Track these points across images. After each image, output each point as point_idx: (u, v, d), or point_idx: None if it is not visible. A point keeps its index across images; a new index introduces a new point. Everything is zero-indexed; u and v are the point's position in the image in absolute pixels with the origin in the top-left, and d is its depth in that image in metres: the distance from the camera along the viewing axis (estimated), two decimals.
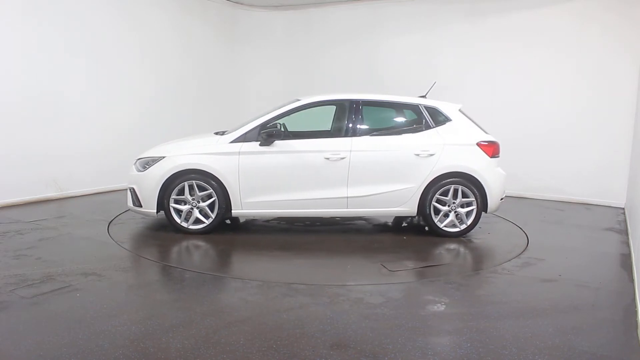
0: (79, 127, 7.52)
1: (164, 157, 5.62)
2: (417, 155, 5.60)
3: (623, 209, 7.74)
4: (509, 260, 5.02)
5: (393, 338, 3.23)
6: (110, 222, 6.05)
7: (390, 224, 6.47)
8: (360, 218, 6.55)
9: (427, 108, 5.83)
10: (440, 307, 3.80)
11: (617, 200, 7.90)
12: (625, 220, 6.95)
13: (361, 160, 5.58)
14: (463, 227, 5.71)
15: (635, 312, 3.77)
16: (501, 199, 5.82)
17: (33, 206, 6.71)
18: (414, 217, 5.97)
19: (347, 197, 5.60)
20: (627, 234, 6.18)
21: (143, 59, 8.52)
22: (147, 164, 5.69)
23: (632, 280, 4.48)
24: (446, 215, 5.72)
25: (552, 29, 8.16)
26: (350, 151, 5.57)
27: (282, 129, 5.82)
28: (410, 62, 9.25)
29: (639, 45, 7.63)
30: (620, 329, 3.54)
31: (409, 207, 5.68)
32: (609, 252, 5.52)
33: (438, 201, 5.67)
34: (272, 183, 5.57)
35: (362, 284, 4.25)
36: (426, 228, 5.88)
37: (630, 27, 7.65)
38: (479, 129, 5.84)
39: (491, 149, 5.72)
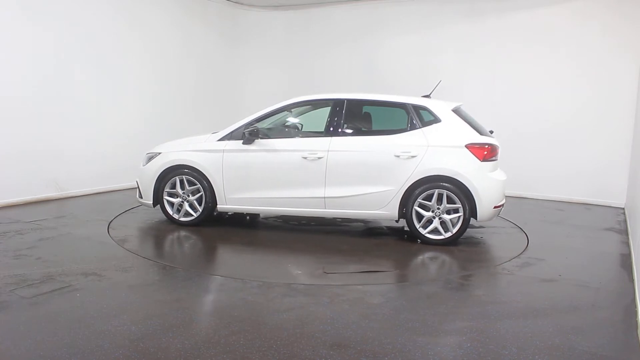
0: (80, 127, 7.51)
1: (160, 153, 6.01)
2: (398, 156, 5.34)
3: (623, 209, 7.74)
4: (509, 260, 5.02)
5: (393, 338, 3.23)
6: (110, 222, 6.05)
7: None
8: (360, 220, 6.51)
9: (416, 107, 5.55)
10: (440, 307, 3.80)
11: (617, 200, 7.90)
12: (625, 220, 6.95)
13: (339, 160, 5.46)
14: (448, 235, 5.32)
15: (635, 312, 3.77)
16: (495, 207, 5.34)
17: (33, 206, 6.71)
18: (397, 221, 5.62)
19: (325, 198, 5.52)
20: (627, 234, 6.18)
21: (144, 59, 8.52)
22: (150, 158, 6.07)
23: (632, 280, 4.48)
24: (430, 221, 5.38)
25: (552, 29, 8.16)
26: (328, 151, 5.49)
27: (299, 129, 6.08)
28: (411, 61, 9.24)
29: (638, 44, 7.63)
30: (620, 329, 3.54)
31: (389, 211, 5.43)
32: (609, 252, 5.52)
33: (422, 206, 5.36)
34: (253, 180, 5.70)
35: (280, 282, 4.20)
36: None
37: (630, 26, 7.65)
38: (473, 130, 5.43)
39: (482, 151, 5.27)
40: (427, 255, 5.20)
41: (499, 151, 5.49)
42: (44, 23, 6.92)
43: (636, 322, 3.61)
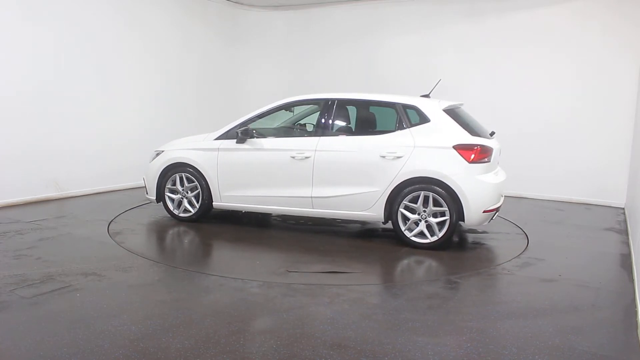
0: (80, 127, 7.50)
1: (163, 151, 6.24)
2: (383, 157, 5.23)
3: (623, 209, 7.74)
4: (509, 260, 5.01)
5: (393, 338, 3.23)
6: (110, 222, 6.05)
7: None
8: (358, 222, 6.46)
9: (405, 107, 5.42)
10: (440, 307, 3.80)
11: (617, 200, 7.89)
12: (625, 220, 6.94)
13: (325, 160, 5.44)
14: (434, 238, 5.13)
15: (635, 312, 3.77)
16: (485, 211, 5.08)
17: (33, 206, 6.71)
18: (383, 223, 5.47)
19: (312, 197, 5.52)
20: (627, 234, 6.17)
21: (144, 60, 8.51)
22: (155, 156, 6.31)
23: (632, 280, 4.48)
24: (417, 224, 5.21)
25: (552, 29, 8.15)
26: (315, 150, 5.48)
27: (290, 128, 6.22)
28: (411, 61, 9.24)
29: (638, 44, 7.62)
30: (620, 329, 3.54)
31: (375, 212, 5.32)
32: (609, 252, 5.51)
33: (408, 208, 5.21)
34: (245, 179, 5.80)
35: (237, 277, 4.29)
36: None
37: (630, 26, 7.64)
38: (463, 130, 5.21)
39: (471, 153, 5.05)
40: (412, 258, 5.06)
41: (493, 153, 5.26)
42: (43, 23, 6.91)
43: (636, 322, 3.61)
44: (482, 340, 3.23)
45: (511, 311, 3.75)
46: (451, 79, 8.35)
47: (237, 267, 4.75)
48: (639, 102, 7.43)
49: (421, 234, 5.21)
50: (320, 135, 5.60)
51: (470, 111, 5.98)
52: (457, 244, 5.62)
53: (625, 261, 5.11)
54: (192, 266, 4.67)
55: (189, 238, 5.70)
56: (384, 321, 3.49)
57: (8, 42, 6.54)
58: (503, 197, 5.58)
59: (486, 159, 5.16)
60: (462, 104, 5.93)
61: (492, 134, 5.72)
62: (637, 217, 5.34)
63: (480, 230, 6.10)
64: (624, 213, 7.46)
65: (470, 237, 5.86)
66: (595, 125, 7.99)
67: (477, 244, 5.64)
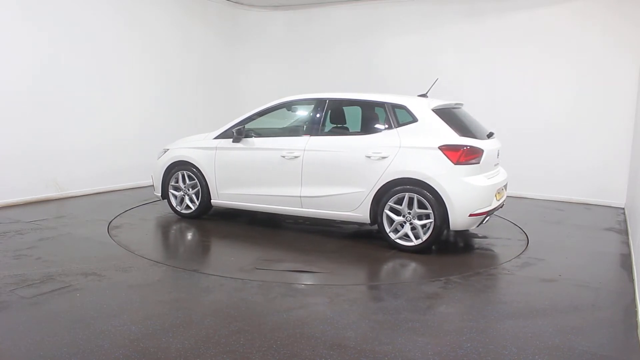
0: (80, 127, 7.50)
1: (168, 150, 6.47)
2: (369, 157, 5.18)
3: (623, 209, 7.74)
4: (509, 260, 5.02)
5: (393, 338, 3.23)
6: (110, 222, 6.05)
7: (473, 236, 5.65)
8: (355, 223, 6.45)
9: (394, 107, 5.35)
10: (440, 307, 3.80)
11: (617, 200, 7.89)
12: (625, 220, 6.94)
13: (313, 159, 5.46)
14: (418, 241, 5.02)
15: (635, 312, 3.77)
16: (472, 215, 4.92)
17: (33, 206, 6.71)
18: (370, 224, 5.38)
19: (301, 197, 5.54)
20: (627, 234, 6.17)
21: (144, 59, 8.51)
22: (162, 153, 6.52)
23: (632, 280, 4.48)
24: (402, 225, 5.11)
25: (552, 29, 8.15)
26: (304, 150, 5.51)
27: (283, 128, 6.21)
28: (411, 61, 9.23)
29: (638, 44, 7.62)
30: (620, 329, 3.54)
31: (361, 213, 5.27)
32: (609, 252, 5.51)
33: (394, 210, 5.12)
34: (239, 177, 5.94)
35: (211, 274, 4.41)
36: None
37: (630, 26, 7.64)
38: (452, 130, 5.06)
39: (457, 154, 4.90)
40: (397, 261, 4.96)
41: (484, 154, 5.06)
42: (43, 23, 6.91)
43: (636, 322, 3.61)
44: (482, 340, 3.23)
45: (511, 311, 3.75)
46: (451, 79, 8.34)
47: (210, 262, 4.89)
48: (639, 102, 7.43)
49: (406, 237, 5.11)
50: (310, 135, 5.62)
51: (469, 111, 5.95)
52: (456, 244, 5.62)
53: (625, 261, 5.11)
54: (170, 261, 4.69)
55: (182, 235, 5.75)
56: (384, 321, 3.49)
57: (8, 42, 6.53)
58: (503, 199, 5.56)
59: (474, 160, 5.00)
60: (461, 104, 5.89)
61: (491, 134, 5.63)
62: (637, 217, 5.34)
63: (480, 234, 6.10)
64: (624, 213, 7.46)
65: (470, 237, 5.85)
66: (595, 125, 7.99)
67: (477, 244, 5.63)
